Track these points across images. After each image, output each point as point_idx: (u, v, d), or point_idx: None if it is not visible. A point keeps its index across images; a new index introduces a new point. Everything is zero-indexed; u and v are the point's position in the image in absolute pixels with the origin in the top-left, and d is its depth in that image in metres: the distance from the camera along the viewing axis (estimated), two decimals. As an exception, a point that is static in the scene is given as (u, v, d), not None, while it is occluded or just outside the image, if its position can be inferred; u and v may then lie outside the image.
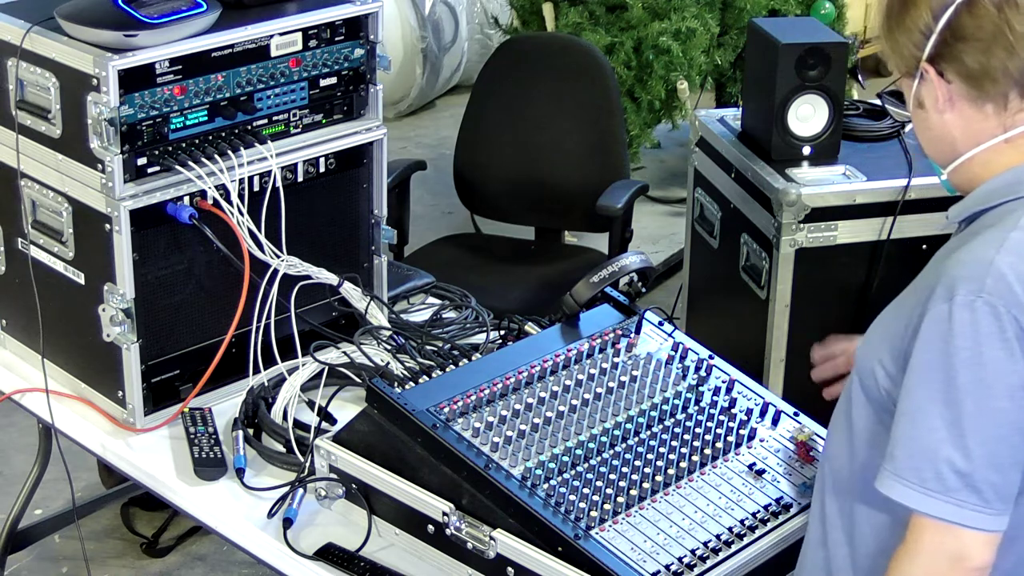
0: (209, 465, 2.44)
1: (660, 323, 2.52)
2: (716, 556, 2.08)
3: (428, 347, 2.61)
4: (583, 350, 2.39)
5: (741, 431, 2.31)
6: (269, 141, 2.58)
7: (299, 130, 2.68)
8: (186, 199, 2.50)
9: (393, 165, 3.87)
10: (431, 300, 3.00)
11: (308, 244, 2.67)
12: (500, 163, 4.18)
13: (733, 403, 2.37)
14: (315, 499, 2.30)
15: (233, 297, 2.52)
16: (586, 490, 2.12)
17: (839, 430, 1.95)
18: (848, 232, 3.32)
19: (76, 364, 2.66)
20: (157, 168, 2.48)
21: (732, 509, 2.17)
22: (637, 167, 5.81)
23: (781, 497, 2.21)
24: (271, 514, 2.32)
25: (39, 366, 2.64)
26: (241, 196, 2.52)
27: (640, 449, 2.23)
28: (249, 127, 2.59)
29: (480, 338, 2.76)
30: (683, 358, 2.44)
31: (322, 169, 2.70)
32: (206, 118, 2.53)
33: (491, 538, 2.08)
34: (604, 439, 2.23)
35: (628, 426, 2.26)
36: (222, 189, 2.50)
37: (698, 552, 2.08)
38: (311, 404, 2.54)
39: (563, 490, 2.11)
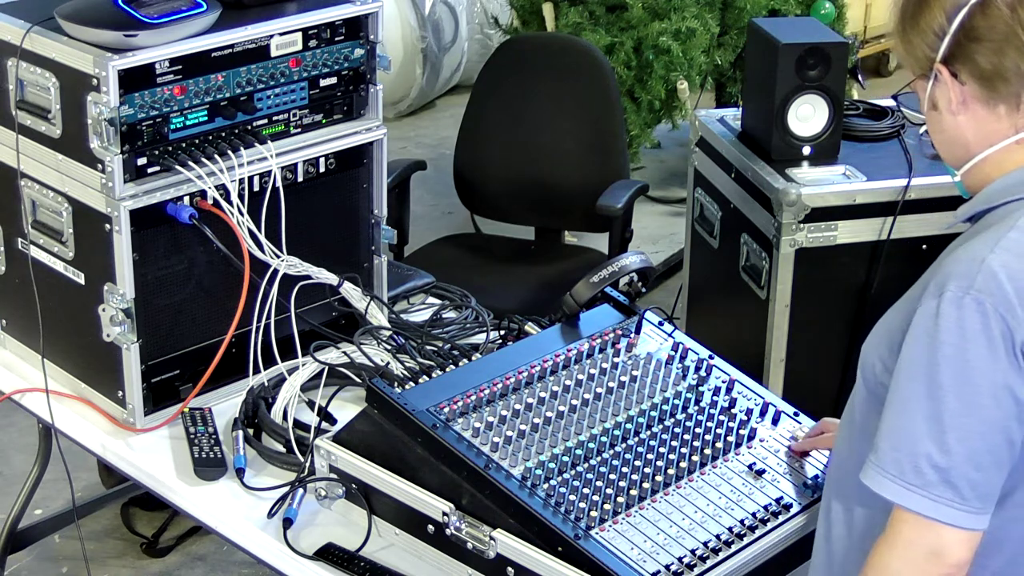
0: (209, 465, 2.44)
1: (660, 323, 2.52)
2: (716, 556, 2.08)
3: (428, 347, 2.61)
4: (583, 350, 2.39)
5: (741, 431, 2.31)
6: (269, 141, 2.58)
7: (299, 130, 2.68)
8: (186, 199, 2.50)
9: (393, 165, 3.87)
10: (431, 300, 3.00)
11: (308, 244, 2.67)
12: (500, 163, 4.18)
13: (733, 403, 2.37)
14: (315, 499, 2.30)
15: (233, 297, 2.52)
16: (586, 490, 2.12)
17: (844, 426, 1.96)
18: (848, 232, 3.32)
19: (76, 364, 2.66)
20: (157, 168, 2.48)
21: (732, 509, 2.17)
22: (637, 167, 5.81)
23: (781, 497, 2.21)
24: (271, 514, 2.32)
25: (39, 366, 2.64)
26: (241, 196, 2.52)
27: (640, 449, 2.23)
28: (249, 127, 2.59)
29: (480, 338, 2.76)
30: (683, 358, 2.44)
31: (322, 169, 2.70)
32: (206, 118, 2.53)
33: (491, 538, 2.08)
34: (604, 439, 2.23)
35: (628, 426, 2.26)
36: (222, 189, 2.50)
37: (698, 552, 2.08)
38: (311, 404, 2.54)
39: (563, 490, 2.11)
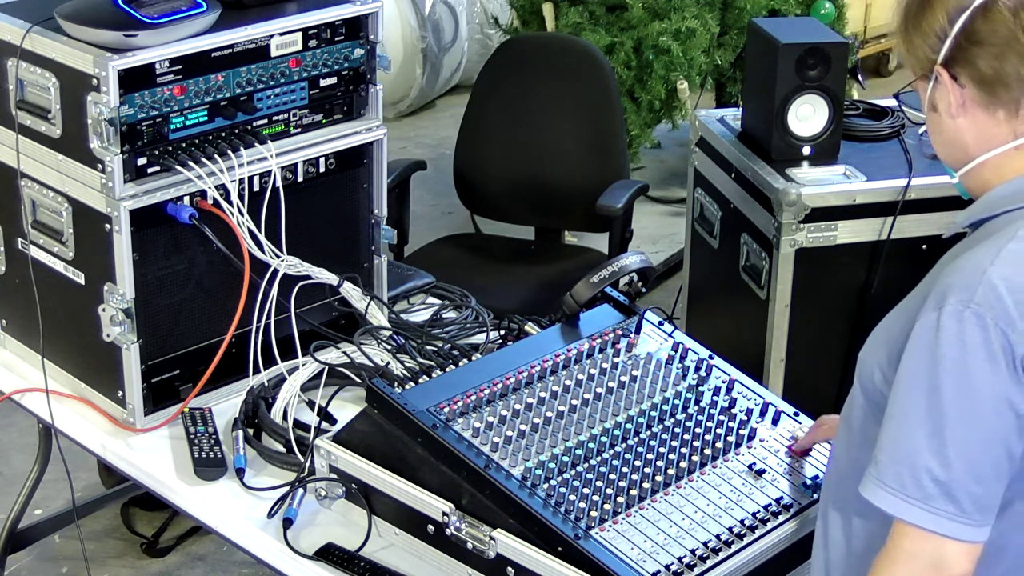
0: (209, 465, 2.44)
1: (660, 323, 2.52)
2: (716, 556, 2.08)
3: (428, 347, 2.61)
4: (583, 350, 2.39)
5: (741, 431, 2.31)
6: (269, 141, 2.58)
7: (299, 130, 2.68)
8: (186, 199, 2.50)
9: (393, 165, 3.87)
10: (431, 300, 3.00)
11: (308, 244, 2.67)
12: (500, 163, 4.18)
13: (733, 403, 2.37)
14: (315, 499, 2.30)
15: (233, 297, 2.52)
16: (586, 490, 2.12)
17: (842, 432, 1.95)
18: (848, 232, 3.32)
19: (76, 364, 2.66)
20: (157, 168, 2.48)
21: (732, 509, 2.17)
22: (637, 167, 5.81)
23: (781, 497, 2.21)
24: (271, 514, 2.32)
25: (39, 366, 2.64)
26: (241, 196, 2.52)
27: (640, 449, 2.23)
28: (249, 127, 2.59)
29: (480, 338, 2.76)
30: (683, 358, 2.44)
31: (322, 169, 2.70)
32: (206, 118, 2.53)
33: (491, 538, 2.08)
34: (604, 439, 2.23)
35: (628, 426, 2.26)
36: (222, 189, 2.50)
37: (698, 552, 2.08)
38: (311, 404, 2.54)
39: (563, 490, 2.11)
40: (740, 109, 3.68)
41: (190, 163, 2.48)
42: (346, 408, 2.52)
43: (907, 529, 1.73)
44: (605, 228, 3.91)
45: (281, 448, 2.47)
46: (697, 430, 2.29)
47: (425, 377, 2.29)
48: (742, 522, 2.15)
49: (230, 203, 2.51)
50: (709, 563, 2.07)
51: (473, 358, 2.38)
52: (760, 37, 3.49)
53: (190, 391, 2.58)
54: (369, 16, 2.70)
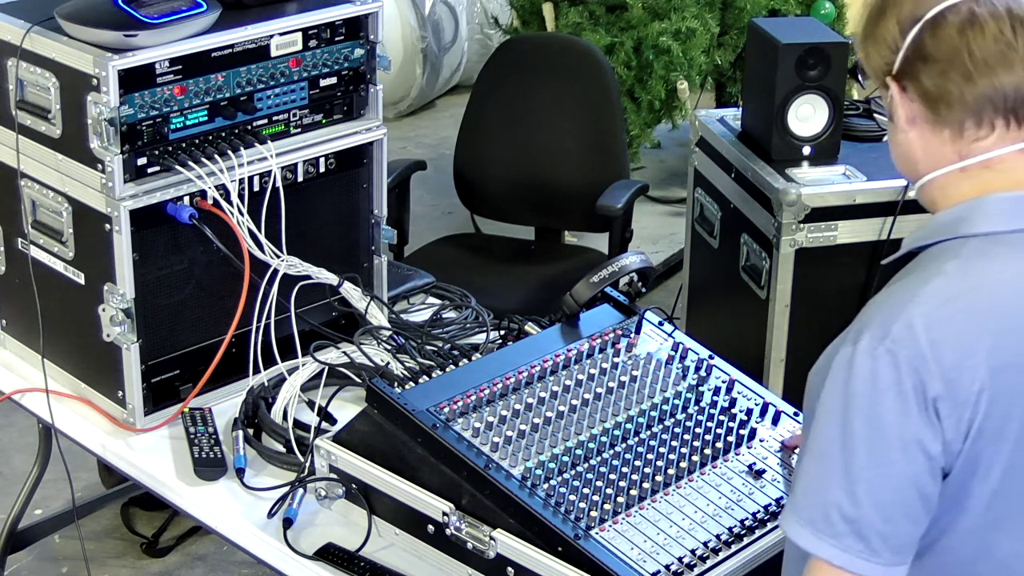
0: (209, 465, 2.44)
1: (660, 323, 2.52)
2: (716, 556, 2.08)
3: (428, 347, 2.61)
4: (583, 350, 2.39)
5: (741, 431, 2.31)
6: (269, 141, 2.58)
7: (299, 130, 2.68)
8: (186, 199, 2.50)
9: (393, 165, 3.87)
10: (431, 300, 3.00)
11: (308, 244, 2.67)
12: (500, 163, 4.18)
13: (733, 403, 2.37)
14: (315, 499, 2.30)
15: (233, 297, 2.52)
16: (586, 490, 2.12)
17: (802, 445, 1.93)
18: (848, 232, 3.32)
19: (76, 364, 2.66)
20: (157, 168, 2.48)
21: (732, 509, 2.17)
22: (637, 167, 5.81)
23: (781, 498, 2.21)
24: (271, 514, 2.32)
25: (39, 366, 2.64)
26: (241, 196, 2.52)
27: (640, 449, 2.23)
28: (249, 127, 2.60)
29: (480, 338, 2.76)
30: (683, 358, 2.44)
31: (322, 169, 2.70)
32: (206, 118, 2.53)
33: (491, 538, 2.08)
34: (604, 439, 2.23)
35: (628, 426, 2.26)
36: (222, 189, 2.50)
37: (698, 552, 2.08)
38: (311, 404, 2.54)
39: (563, 490, 2.11)
40: (740, 109, 3.68)
41: (190, 163, 2.48)
42: (346, 408, 2.52)
43: (819, 564, 1.70)
44: (605, 228, 3.91)
45: (281, 448, 2.47)
46: (697, 430, 2.29)
47: (425, 377, 2.29)
48: (742, 522, 2.15)
49: (230, 203, 2.51)
50: (709, 563, 2.07)
51: (473, 358, 2.38)
52: (760, 37, 3.49)
53: (190, 391, 2.58)
54: (369, 16, 2.70)
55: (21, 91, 2.55)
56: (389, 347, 2.60)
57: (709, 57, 5.35)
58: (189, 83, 2.48)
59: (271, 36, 2.57)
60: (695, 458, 2.24)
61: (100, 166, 2.43)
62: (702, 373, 2.41)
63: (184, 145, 2.50)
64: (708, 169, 3.66)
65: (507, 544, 2.07)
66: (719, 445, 2.28)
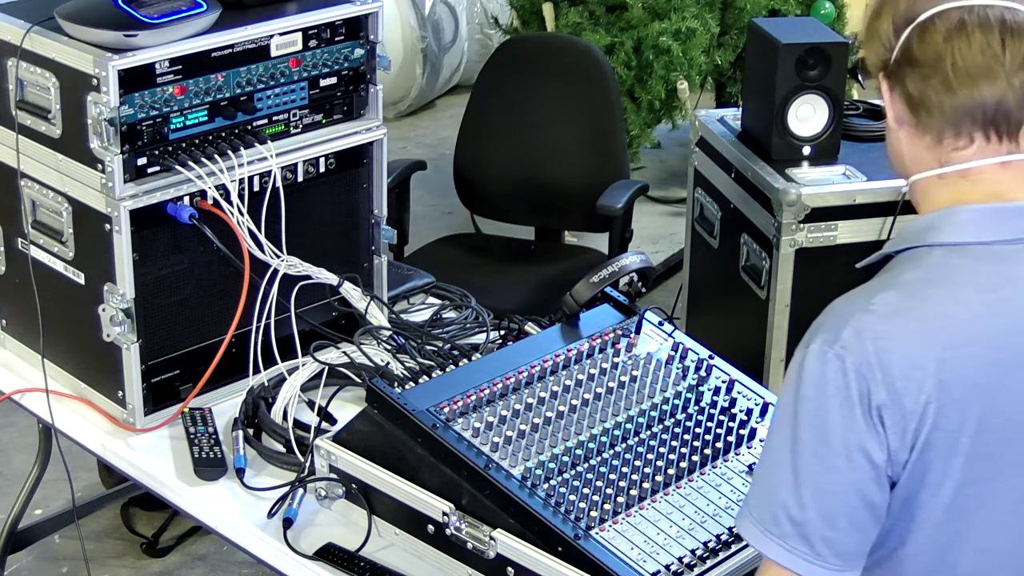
0: (209, 465, 2.44)
1: (660, 323, 2.52)
2: (716, 556, 2.08)
3: (428, 347, 2.61)
4: (583, 350, 2.39)
5: (741, 431, 2.31)
6: (269, 141, 2.58)
7: (299, 130, 2.68)
8: (186, 199, 2.50)
9: (393, 165, 3.87)
10: (431, 300, 3.00)
11: (308, 244, 2.67)
12: (500, 163, 4.18)
13: (733, 403, 2.37)
14: (315, 499, 2.30)
15: (233, 297, 2.52)
16: (586, 490, 2.12)
17: None
18: (848, 232, 3.32)
19: (76, 364, 2.66)
20: (157, 168, 2.48)
21: (732, 509, 2.17)
22: (637, 167, 5.81)
23: (781, 497, 2.21)
24: (271, 514, 2.32)
25: (39, 366, 2.64)
26: (241, 196, 2.52)
27: (640, 449, 2.23)
28: (249, 127, 2.59)
29: (480, 338, 2.76)
30: (683, 358, 2.44)
31: (322, 169, 2.70)
32: (206, 118, 2.53)
33: (491, 538, 2.08)
34: (604, 439, 2.23)
35: (628, 426, 2.26)
36: (222, 189, 2.50)
37: (698, 552, 2.08)
38: (311, 404, 2.54)
39: (563, 490, 2.11)
40: (740, 109, 3.68)
41: (190, 163, 2.48)
42: (346, 408, 2.52)
43: (769, 563, 1.70)
44: (605, 228, 3.91)
45: (281, 448, 2.47)
46: (697, 430, 2.29)
47: (425, 377, 2.29)
48: (742, 522, 2.15)
49: (230, 203, 2.51)
50: (709, 563, 2.07)
51: (473, 358, 2.38)
52: (760, 37, 3.49)
53: (190, 391, 2.58)
54: (369, 16, 2.70)
55: (21, 91, 2.55)
56: (389, 347, 2.60)
57: (709, 57, 5.35)
58: (189, 83, 2.48)
59: (271, 36, 2.57)
60: (695, 458, 2.24)
61: (100, 166, 2.43)
62: (702, 373, 2.41)
63: (184, 145, 2.50)
64: (708, 169, 3.66)
65: (507, 544, 2.07)
66: (719, 445, 2.28)
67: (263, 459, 2.47)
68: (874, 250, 1.85)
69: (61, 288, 2.61)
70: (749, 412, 2.36)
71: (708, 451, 2.26)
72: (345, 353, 2.59)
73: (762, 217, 3.36)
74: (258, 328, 2.56)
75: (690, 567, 2.05)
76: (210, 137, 2.54)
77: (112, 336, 2.51)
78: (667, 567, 2.04)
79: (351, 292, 2.68)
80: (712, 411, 2.34)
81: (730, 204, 3.54)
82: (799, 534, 1.66)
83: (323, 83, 2.68)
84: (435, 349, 2.61)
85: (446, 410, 2.21)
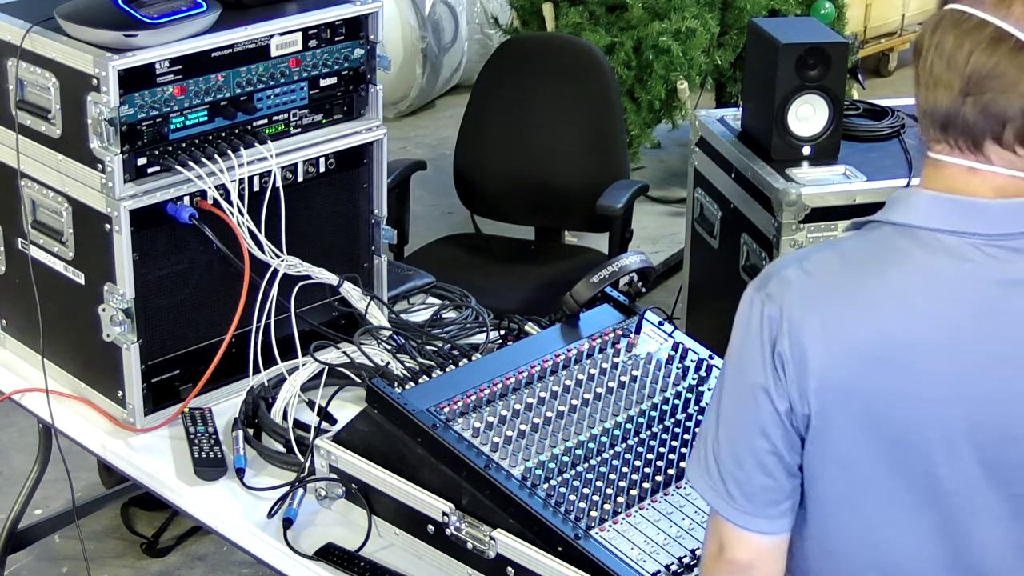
0: (209, 465, 2.44)
1: (660, 323, 2.52)
2: (716, 556, 2.08)
3: (428, 347, 2.61)
4: (583, 350, 2.39)
5: (741, 431, 2.31)
6: (269, 141, 2.58)
7: (299, 130, 2.68)
8: (186, 199, 2.50)
9: (393, 165, 3.87)
10: (431, 300, 3.00)
11: (308, 244, 2.67)
12: (500, 163, 4.18)
13: (733, 403, 2.37)
14: (315, 499, 2.30)
15: (233, 297, 2.52)
16: (586, 490, 2.12)
17: None
18: (848, 232, 3.31)
19: (76, 364, 2.66)
20: (157, 168, 2.48)
21: (732, 509, 2.17)
22: (637, 167, 5.81)
23: (781, 497, 2.21)
24: (271, 514, 2.32)
25: (39, 366, 2.64)
26: (241, 196, 2.52)
27: (640, 449, 2.23)
28: (249, 127, 2.60)
29: (480, 338, 2.76)
30: (683, 358, 2.44)
31: (322, 169, 2.70)
32: (206, 118, 2.53)
33: (491, 538, 2.08)
34: (604, 439, 2.23)
35: (628, 426, 2.26)
36: (222, 189, 2.50)
37: (698, 552, 2.08)
38: (311, 404, 2.54)
39: (563, 490, 2.11)
40: (740, 109, 3.68)
41: (190, 163, 2.48)
42: (346, 408, 2.52)
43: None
44: (605, 228, 3.91)
45: (281, 448, 2.47)
46: (697, 430, 2.29)
47: (425, 377, 2.29)
48: (742, 522, 2.15)
49: (230, 203, 2.51)
50: (709, 563, 2.07)
51: (473, 358, 2.38)
52: (760, 37, 3.49)
53: (190, 391, 2.58)
54: (369, 16, 2.70)
55: (21, 91, 2.55)
56: (389, 347, 2.60)
57: (709, 57, 5.35)
58: (189, 83, 2.48)
59: (271, 36, 2.57)
60: (695, 458, 2.24)
61: (100, 166, 2.43)
62: (702, 373, 2.41)
63: (184, 145, 2.51)
64: (708, 169, 3.66)
65: (507, 544, 2.07)
66: (719, 445, 2.27)
67: (263, 459, 2.47)
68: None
69: (61, 288, 2.61)
70: (749, 412, 2.36)
71: (708, 451, 2.26)
72: (345, 353, 2.59)
73: (762, 217, 3.36)
74: (258, 328, 2.56)
75: (690, 567, 2.05)
76: (210, 137, 2.54)
77: (112, 336, 2.51)
78: (667, 567, 2.04)
79: (351, 292, 2.68)
80: (712, 411, 2.34)
81: (730, 204, 3.54)
82: (718, 471, 1.71)
83: (323, 83, 2.68)
84: (435, 349, 2.61)
85: (446, 410, 2.21)
